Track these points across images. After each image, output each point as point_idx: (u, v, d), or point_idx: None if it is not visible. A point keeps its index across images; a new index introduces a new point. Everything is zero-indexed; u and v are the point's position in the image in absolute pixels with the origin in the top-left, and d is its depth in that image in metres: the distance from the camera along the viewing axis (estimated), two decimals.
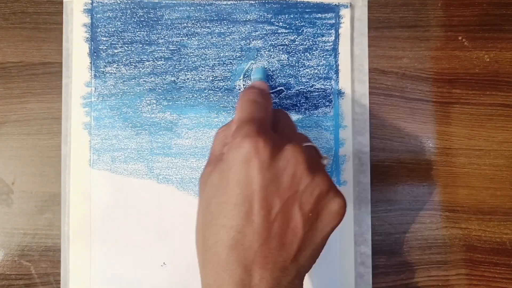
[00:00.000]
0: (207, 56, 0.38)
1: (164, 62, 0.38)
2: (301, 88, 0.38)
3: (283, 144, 0.26)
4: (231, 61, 0.38)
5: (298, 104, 0.38)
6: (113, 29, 0.38)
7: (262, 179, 0.24)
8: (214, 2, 0.38)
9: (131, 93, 0.37)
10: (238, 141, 0.25)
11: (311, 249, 0.26)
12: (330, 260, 0.37)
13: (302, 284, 0.27)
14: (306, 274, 0.37)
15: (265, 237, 0.24)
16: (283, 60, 0.38)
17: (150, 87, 0.37)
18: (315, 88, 0.38)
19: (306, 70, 0.38)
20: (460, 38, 0.39)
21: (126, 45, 0.38)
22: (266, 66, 0.38)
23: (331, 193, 0.26)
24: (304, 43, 0.38)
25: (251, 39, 0.38)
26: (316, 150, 0.29)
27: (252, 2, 0.38)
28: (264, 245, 0.24)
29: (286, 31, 0.38)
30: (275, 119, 0.29)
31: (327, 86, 0.38)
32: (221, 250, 0.25)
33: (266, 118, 0.28)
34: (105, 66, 0.37)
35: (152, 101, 0.37)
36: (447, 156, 0.38)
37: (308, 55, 0.38)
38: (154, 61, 0.38)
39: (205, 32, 0.38)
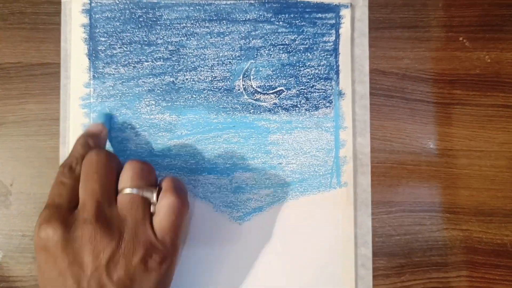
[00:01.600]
0: (206, 56, 0.38)
1: (163, 63, 0.37)
2: (301, 89, 0.38)
3: (76, 223, 0.28)
4: (231, 61, 0.38)
5: (299, 105, 0.38)
6: (111, 30, 0.37)
7: (62, 260, 0.27)
8: (213, 2, 0.38)
9: (130, 94, 0.37)
10: (36, 228, 0.28)
11: None
12: (331, 262, 0.37)
13: None
14: (306, 275, 0.37)
15: None
16: (283, 59, 0.38)
17: (149, 88, 0.37)
18: (315, 88, 0.38)
19: (307, 70, 0.38)
20: (461, 38, 0.39)
21: (125, 46, 0.37)
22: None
23: (144, 257, 0.29)
24: (305, 43, 0.38)
25: (251, 39, 0.38)
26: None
27: (252, 1, 0.38)
28: None
29: (286, 31, 0.38)
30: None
31: (327, 86, 0.38)
32: None
33: (67, 200, 0.30)
34: (104, 66, 0.37)
35: (151, 102, 0.37)
36: (448, 157, 0.38)
37: (308, 55, 0.38)
38: (153, 62, 0.37)
39: (204, 32, 0.38)
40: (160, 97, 0.37)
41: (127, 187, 0.30)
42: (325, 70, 0.38)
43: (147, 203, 0.30)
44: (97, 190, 0.29)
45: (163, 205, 0.30)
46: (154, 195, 0.31)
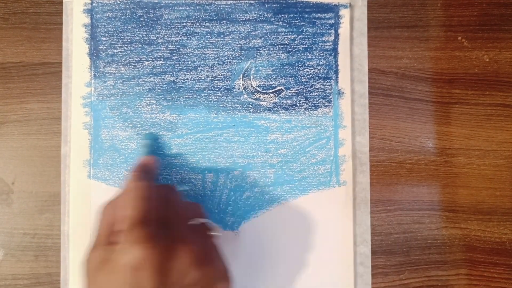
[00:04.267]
0: (207, 55, 0.38)
1: (163, 62, 0.38)
2: (300, 88, 0.38)
3: (172, 244, 0.27)
4: (231, 60, 0.38)
5: (298, 104, 0.38)
6: (112, 29, 0.38)
7: (152, 284, 0.25)
8: (213, 1, 0.38)
9: (131, 93, 0.37)
10: (128, 246, 0.26)
11: None
12: (330, 260, 0.37)
13: None
14: (306, 274, 0.37)
15: None
16: (282, 59, 0.38)
17: (150, 87, 0.37)
18: (314, 88, 0.38)
19: (306, 69, 0.38)
20: (459, 38, 0.39)
21: (126, 45, 0.38)
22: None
23: (216, 282, 0.28)
24: (304, 43, 0.38)
25: (251, 39, 0.38)
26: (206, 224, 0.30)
27: (252, 1, 0.38)
28: None
29: (286, 31, 0.38)
30: (162, 198, 0.30)
31: (326, 86, 0.38)
32: None
33: (157, 214, 0.28)
34: (105, 66, 0.37)
35: (151, 101, 0.37)
36: (447, 156, 0.38)
37: (308, 54, 0.38)
38: (153, 61, 0.38)
39: (204, 32, 0.38)
40: (160, 96, 0.37)
41: None
42: (324, 69, 0.38)
43: None
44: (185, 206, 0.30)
45: None
46: None
